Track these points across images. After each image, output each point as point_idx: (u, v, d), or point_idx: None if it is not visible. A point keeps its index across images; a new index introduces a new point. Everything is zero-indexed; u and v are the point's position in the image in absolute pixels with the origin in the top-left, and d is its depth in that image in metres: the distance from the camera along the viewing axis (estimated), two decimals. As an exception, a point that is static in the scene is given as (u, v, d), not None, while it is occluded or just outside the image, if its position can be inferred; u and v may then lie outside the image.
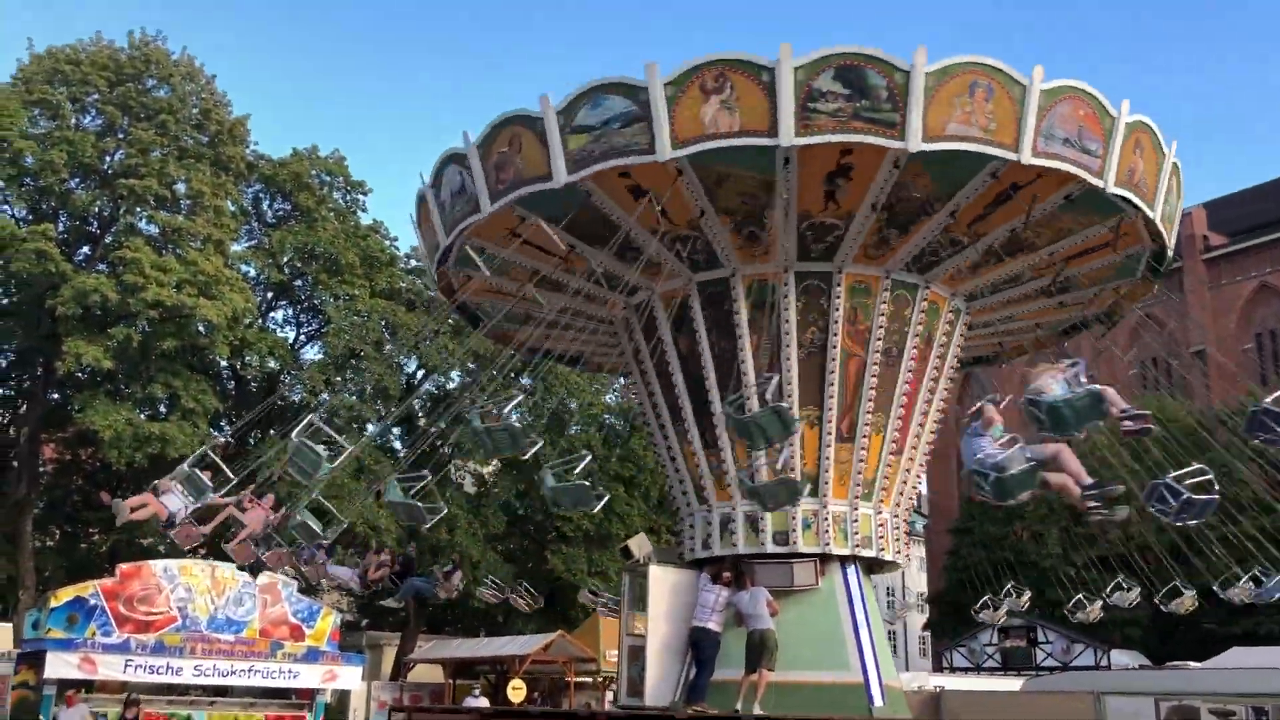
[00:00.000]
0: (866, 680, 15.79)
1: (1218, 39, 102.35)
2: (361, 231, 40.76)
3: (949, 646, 45.56)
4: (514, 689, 32.93)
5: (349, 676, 32.43)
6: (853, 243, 15.62)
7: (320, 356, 39.74)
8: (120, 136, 36.35)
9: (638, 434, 37.54)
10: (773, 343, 16.16)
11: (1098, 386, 9.62)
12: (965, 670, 41.56)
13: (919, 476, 17.95)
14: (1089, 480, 10.50)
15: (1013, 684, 33.15)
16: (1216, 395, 39.02)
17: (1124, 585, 24.55)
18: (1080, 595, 25.24)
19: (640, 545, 17.73)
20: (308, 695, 32.25)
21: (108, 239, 36.31)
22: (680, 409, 17.17)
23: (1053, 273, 16.99)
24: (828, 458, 16.27)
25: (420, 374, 40.91)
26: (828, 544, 16.13)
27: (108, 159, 36.35)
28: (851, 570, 16.74)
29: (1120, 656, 38.16)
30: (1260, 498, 26.56)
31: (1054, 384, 9.91)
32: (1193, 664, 26.98)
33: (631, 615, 16.90)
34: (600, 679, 36.37)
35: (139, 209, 35.54)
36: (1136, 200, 15.10)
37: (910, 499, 17.78)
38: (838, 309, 16.15)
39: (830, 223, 15.32)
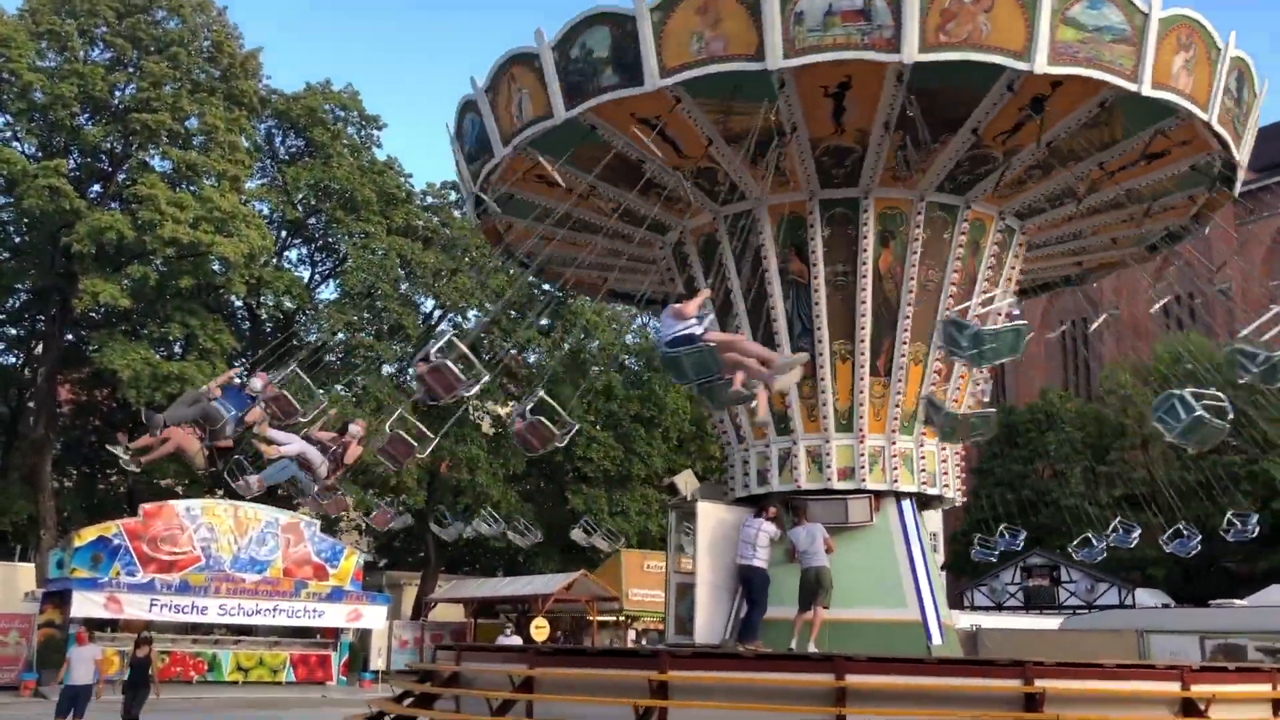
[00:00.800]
0: (924, 617, 15.39)
1: None
2: (378, 167, 39.60)
3: (969, 586, 43.98)
4: (537, 627, 33.13)
5: (374, 615, 32.89)
6: (874, 165, 14.92)
7: (336, 295, 39.15)
8: (130, 70, 35.61)
9: (657, 375, 36.80)
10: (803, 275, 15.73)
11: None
12: (987, 609, 39.92)
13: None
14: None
15: (1044, 622, 31.86)
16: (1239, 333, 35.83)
17: (1122, 527, 23.30)
18: (1087, 534, 24.08)
19: (687, 481, 17.69)
20: (332, 634, 32.96)
21: (120, 176, 35.89)
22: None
23: (1111, 184, 15.79)
24: (861, 391, 15.76)
25: (437, 313, 40.24)
26: (895, 480, 15.77)
27: (118, 93, 35.58)
28: (906, 505, 16.30)
29: (1145, 596, 36.37)
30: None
31: None
32: (1237, 602, 25.30)
33: (678, 553, 16.96)
34: (623, 617, 36.22)
35: (152, 145, 34.82)
36: (1182, 102, 13.79)
37: (960, 431, 17.01)
38: (866, 236, 15.52)
39: (845, 146, 14.68)
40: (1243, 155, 15.34)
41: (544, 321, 35.96)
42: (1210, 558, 25.38)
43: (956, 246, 15.92)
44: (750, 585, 14.70)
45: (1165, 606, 31.56)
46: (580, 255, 18.23)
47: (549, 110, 14.39)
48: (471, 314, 39.22)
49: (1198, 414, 11.17)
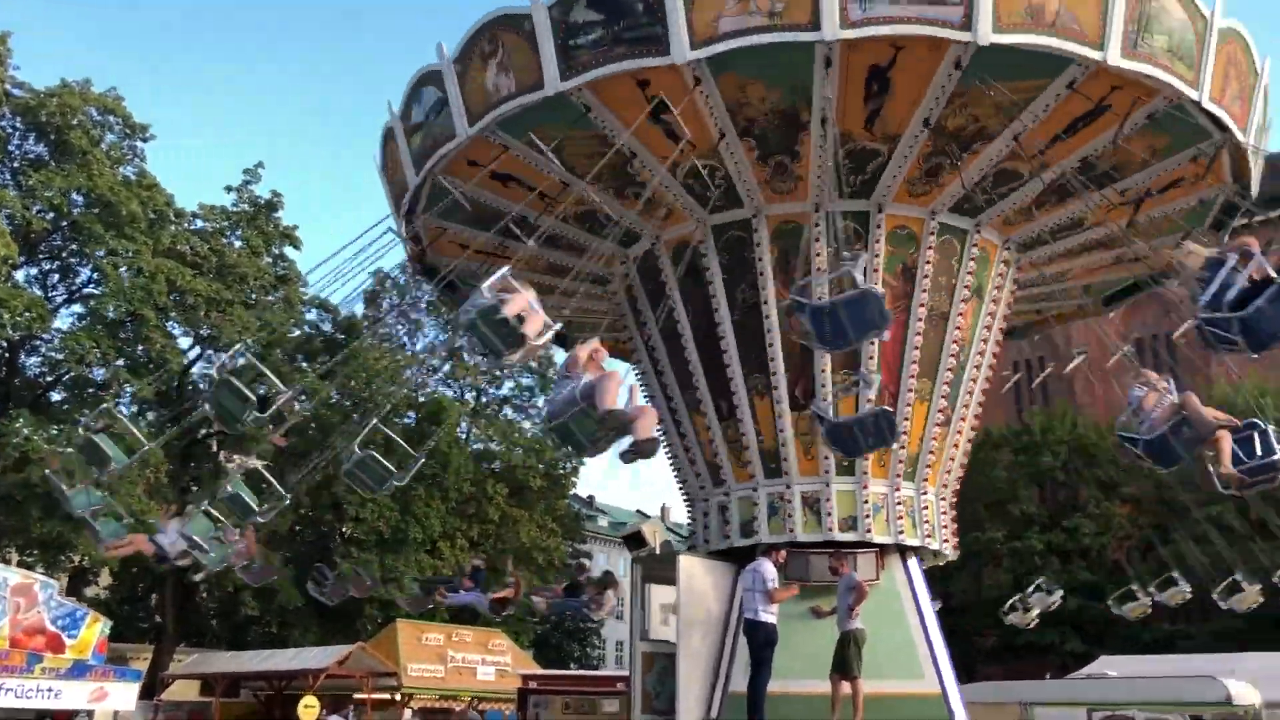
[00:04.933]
0: (944, 689, 13.52)
1: None
2: (147, 180, 34.25)
3: None
4: (305, 707, 29.43)
5: (122, 695, 27.91)
6: (896, 173, 13.32)
7: (81, 322, 32.80)
8: None
9: (441, 429, 33.55)
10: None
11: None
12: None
13: (965, 453, 15.61)
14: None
15: None
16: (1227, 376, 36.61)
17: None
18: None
19: (655, 532, 15.20)
20: (66, 717, 28.09)
21: None
22: (692, 376, 14.83)
23: (1119, 215, 14.73)
24: (865, 429, 13.93)
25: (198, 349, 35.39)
26: (900, 533, 13.98)
27: None
28: (913, 562, 14.55)
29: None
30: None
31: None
32: (1111, 671, 24.86)
33: (642, 614, 14.63)
34: (401, 695, 33.11)
35: None
36: (1229, 122, 12.87)
37: (956, 479, 15.45)
38: (877, 255, 13.85)
39: (872, 148, 13.03)
40: (1255, 182, 14.58)
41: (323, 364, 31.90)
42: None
43: (965, 274, 14.47)
44: (753, 642, 12.37)
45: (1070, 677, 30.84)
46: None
47: (539, 80, 12.11)
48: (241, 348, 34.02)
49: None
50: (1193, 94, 12.11)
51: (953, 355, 14.48)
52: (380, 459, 12.24)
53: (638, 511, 63.95)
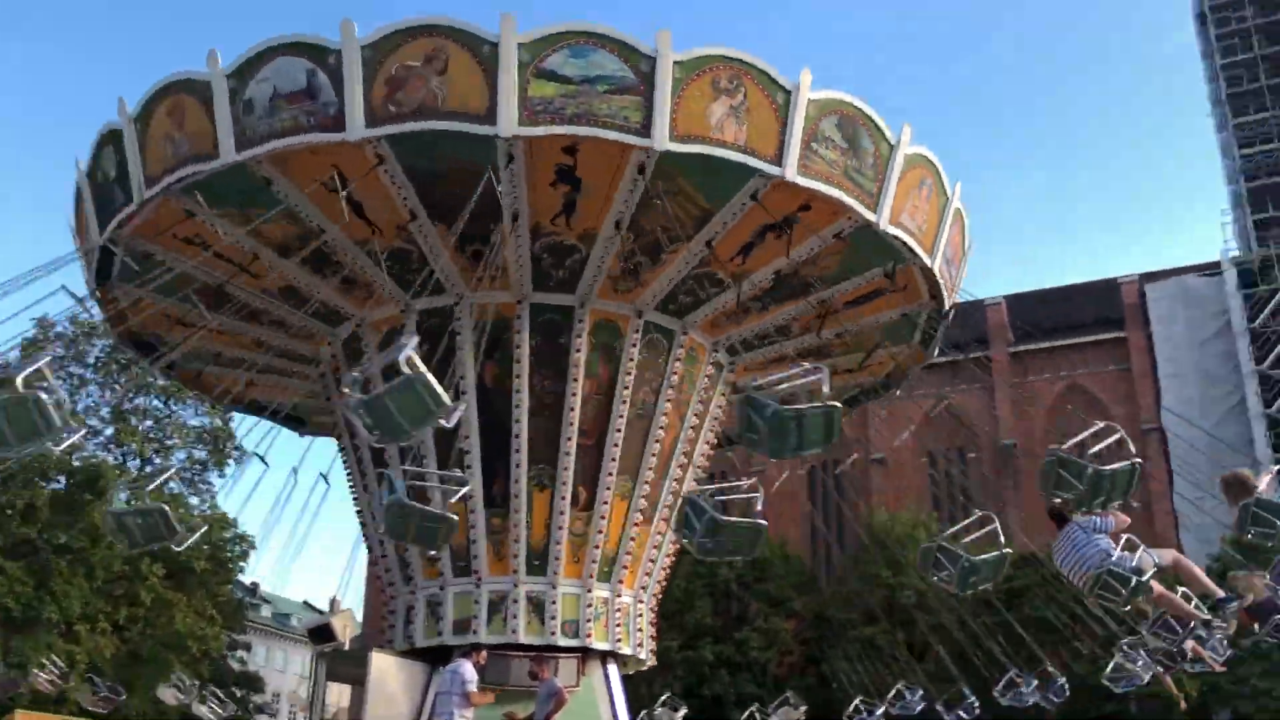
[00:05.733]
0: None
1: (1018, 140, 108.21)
2: None
3: None
4: None
5: None
6: (597, 270, 13.26)
7: None
8: None
9: (96, 498, 29.56)
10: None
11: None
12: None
13: (669, 555, 15.47)
14: (1220, 593, 8.53)
15: None
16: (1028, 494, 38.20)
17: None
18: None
19: (346, 624, 14.30)
20: None
21: None
22: (388, 465, 14.23)
23: (826, 326, 15.08)
24: (560, 527, 13.62)
25: None
26: (590, 635, 13.62)
27: None
28: (613, 669, 14.23)
29: None
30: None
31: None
32: None
33: (327, 713, 13.72)
34: None
35: None
36: (913, 244, 13.36)
37: (659, 581, 15.28)
38: (579, 350, 13.69)
39: (569, 243, 12.93)
40: (949, 301, 15.15)
41: None
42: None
43: (671, 373, 14.46)
44: None
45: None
46: (216, 347, 15.05)
47: (214, 150, 11.54)
48: None
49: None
50: (870, 215, 12.50)
51: (655, 455, 14.39)
52: None
53: (305, 603, 58.82)
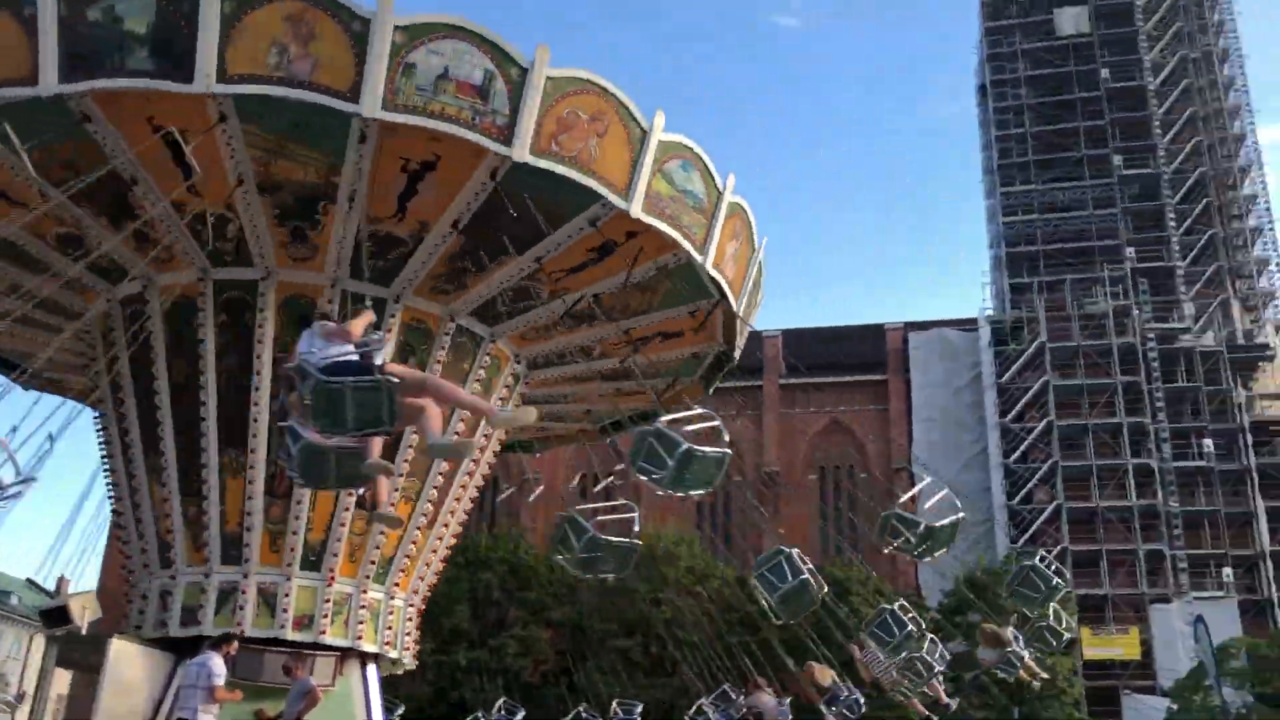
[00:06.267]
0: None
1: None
2: None
3: None
4: None
5: None
6: (420, 267, 13.02)
7: None
8: None
9: None
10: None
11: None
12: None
13: (443, 560, 15.32)
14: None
15: None
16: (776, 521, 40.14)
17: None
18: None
19: (85, 608, 13.02)
20: None
21: None
22: (159, 441, 13.26)
23: (622, 352, 15.52)
24: (342, 524, 13.18)
25: None
26: (360, 637, 13.19)
27: None
28: (372, 670, 13.85)
29: None
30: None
31: None
32: None
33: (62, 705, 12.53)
34: None
35: None
36: (726, 287, 14.06)
37: (431, 585, 15.08)
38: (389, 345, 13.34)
39: (398, 236, 12.63)
40: (739, 346, 16.03)
41: None
42: None
43: (474, 380, 14.38)
44: None
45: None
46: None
47: (32, 76, 10.42)
48: None
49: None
50: (698, 256, 13.07)
51: (448, 460, 14.22)
52: None
53: (29, 581, 52.77)
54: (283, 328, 12.87)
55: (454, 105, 10.92)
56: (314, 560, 13.07)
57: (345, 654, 13.43)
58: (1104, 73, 51.82)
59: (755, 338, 21.24)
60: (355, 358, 7.08)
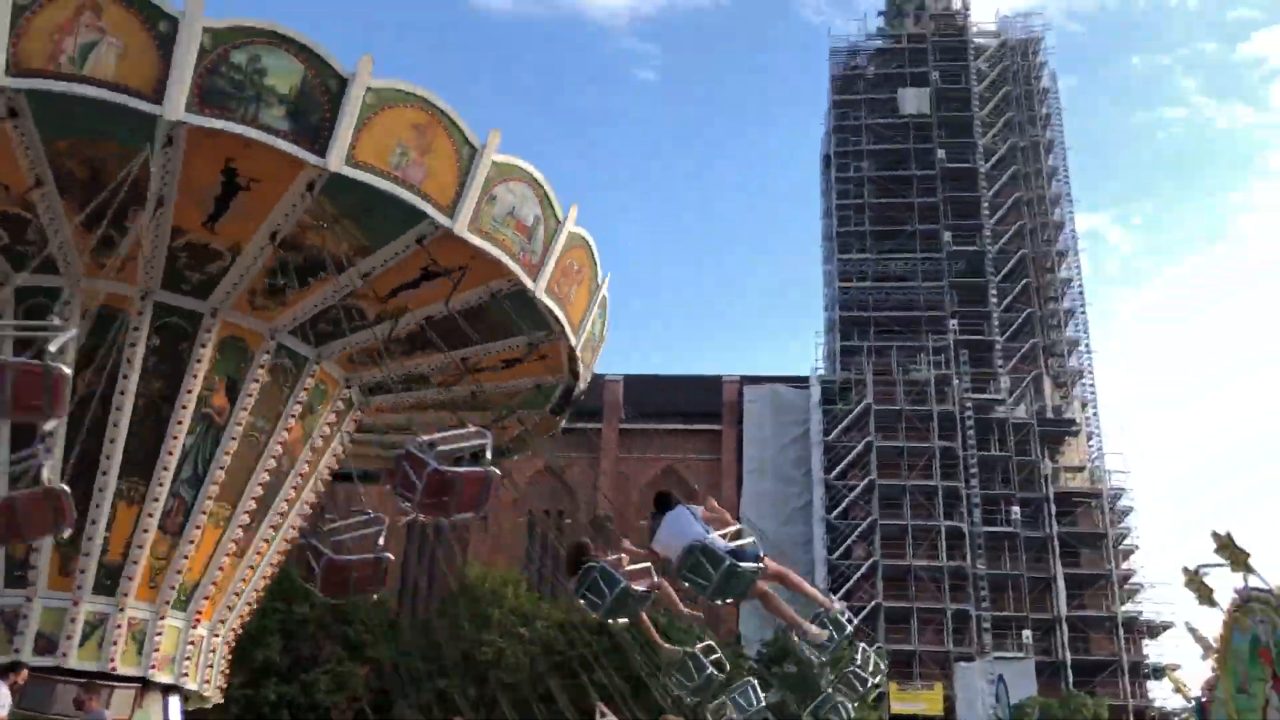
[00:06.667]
0: None
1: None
2: None
3: None
4: None
5: None
6: (238, 281, 12.50)
7: None
8: None
9: None
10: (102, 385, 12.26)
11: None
12: None
13: (258, 590, 14.63)
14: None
15: None
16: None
17: None
18: None
19: None
20: None
21: None
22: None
23: (464, 383, 15.14)
24: (140, 546, 12.47)
25: None
26: (154, 666, 12.48)
27: None
28: (175, 702, 13.09)
29: None
30: None
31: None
32: None
33: None
34: None
35: None
36: (563, 319, 13.80)
37: (242, 615, 14.37)
38: (200, 361, 12.76)
39: (214, 247, 12.12)
40: (584, 381, 15.77)
41: None
42: None
43: (295, 402, 13.83)
44: None
45: None
46: None
47: None
48: None
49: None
50: (529, 282, 12.80)
51: (263, 484, 13.62)
52: None
53: None
54: (82, 338, 12.14)
55: (268, 113, 10.53)
56: (108, 584, 12.32)
57: (146, 686, 12.68)
58: (940, 153, 53.83)
59: (598, 380, 21.14)
60: (746, 544, 8.21)
